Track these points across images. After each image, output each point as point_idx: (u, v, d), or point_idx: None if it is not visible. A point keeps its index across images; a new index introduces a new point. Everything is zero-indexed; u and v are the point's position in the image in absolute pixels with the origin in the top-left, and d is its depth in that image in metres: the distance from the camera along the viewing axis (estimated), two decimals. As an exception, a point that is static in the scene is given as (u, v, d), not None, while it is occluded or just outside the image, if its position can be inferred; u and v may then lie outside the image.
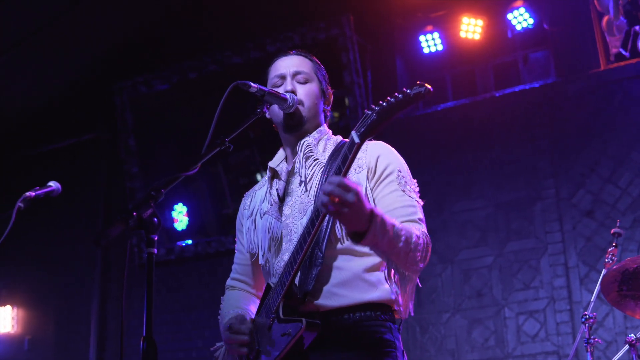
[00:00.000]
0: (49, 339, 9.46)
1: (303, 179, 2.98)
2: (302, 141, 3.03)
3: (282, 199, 3.04)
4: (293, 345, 2.74)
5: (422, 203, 2.93)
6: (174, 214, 8.92)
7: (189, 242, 8.81)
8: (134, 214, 2.48)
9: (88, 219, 9.42)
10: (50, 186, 3.97)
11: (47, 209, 7.92)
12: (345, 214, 2.48)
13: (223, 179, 8.80)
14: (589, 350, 4.86)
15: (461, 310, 7.31)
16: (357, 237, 2.57)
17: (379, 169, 2.89)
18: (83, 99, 9.69)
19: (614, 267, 4.74)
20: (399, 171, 2.90)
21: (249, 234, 3.16)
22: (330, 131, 3.16)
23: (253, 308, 3.12)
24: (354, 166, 2.90)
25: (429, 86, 2.45)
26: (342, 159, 2.56)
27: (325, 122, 3.15)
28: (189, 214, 8.97)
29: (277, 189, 3.07)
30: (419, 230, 2.76)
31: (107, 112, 9.35)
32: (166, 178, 2.66)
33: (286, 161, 3.12)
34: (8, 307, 9.65)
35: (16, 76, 9.18)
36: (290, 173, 3.06)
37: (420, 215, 2.87)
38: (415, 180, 2.97)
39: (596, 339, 4.88)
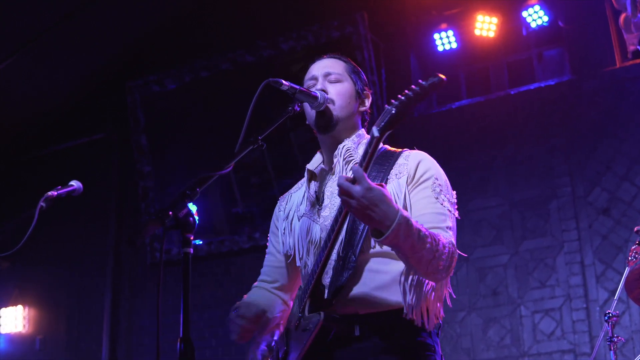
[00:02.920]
0: (60, 339, 9.45)
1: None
2: (342, 145, 3.01)
3: (320, 201, 3.02)
4: (314, 341, 2.73)
5: (456, 214, 2.91)
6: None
7: (199, 242, 8.78)
8: (170, 213, 2.47)
9: (100, 218, 9.40)
10: (72, 185, 3.97)
11: (59, 208, 7.89)
12: (355, 207, 2.50)
13: (232, 178, 8.77)
14: (612, 348, 4.84)
15: (476, 309, 7.29)
16: (378, 234, 2.57)
17: (418, 175, 2.88)
18: (95, 98, 9.68)
19: (637, 266, 4.73)
20: (436, 179, 2.88)
21: (284, 237, 3.14)
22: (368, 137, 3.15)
23: (274, 305, 3.14)
24: (394, 171, 2.90)
25: (442, 76, 2.53)
26: (363, 154, 2.61)
27: (363, 126, 3.14)
28: (198, 213, 8.92)
29: (315, 191, 3.06)
30: (445, 238, 2.73)
31: (119, 111, 9.33)
32: (201, 176, 2.66)
33: (323, 164, 3.10)
34: (19, 307, 9.63)
35: (28, 75, 9.16)
36: (329, 175, 3.05)
37: (450, 223, 2.83)
38: (454, 193, 2.95)
39: (619, 337, 4.86)
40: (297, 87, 2.97)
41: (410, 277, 2.76)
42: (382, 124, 2.57)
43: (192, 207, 8.41)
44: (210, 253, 8.66)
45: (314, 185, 3.08)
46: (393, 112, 2.56)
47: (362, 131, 3.11)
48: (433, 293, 2.81)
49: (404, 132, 7.62)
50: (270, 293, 3.21)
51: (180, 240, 2.54)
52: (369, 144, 2.60)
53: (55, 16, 8.41)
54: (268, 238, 3.29)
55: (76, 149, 9.73)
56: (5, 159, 10.06)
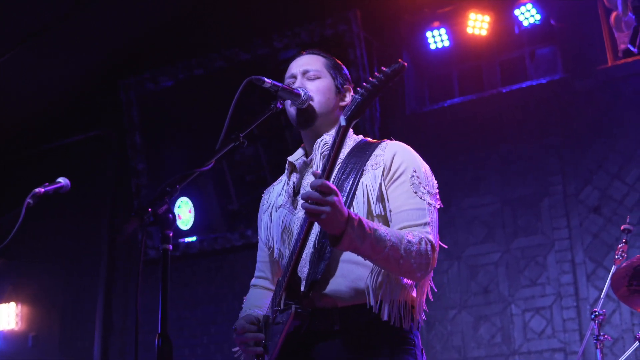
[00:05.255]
0: (53, 336, 9.45)
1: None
2: (320, 139, 3.04)
3: (296, 193, 3.04)
4: (289, 335, 2.75)
5: (438, 205, 2.92)
6: (178, 211, 8.88)
7: (194, 238, 8.78)
8: (149, 210, 2.49)
9: (94, 215, 9.40)
10: (60, 182, 3.96)
11: (52, 205, 7.89)
12: (328, 214, 2.50)
13: (227, 175, 8.77)
14: (598, 347, 4.86)
15: (467, 307, 7.30)
16: (334, 240, 2.59)
17: (393, 168, 2.89)
18: (89, 95, 9.69)
19: (623, 264, 4.74)
20: (414, 171, 2.89)
21: (266, 229, 3.17)
22: (351, 130, 3.13)
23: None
24: (371, 162, 2.91)
25: (403, 62, 2.56)
26: (331, 144, 2.63)
27: None
28: (193, 210, 8.93)
29: (293, 182, 3.08)
30: (417, 236, 2.73)
31: (113, 108, 9.33)
32: (181, 174, 2.66)
33: (305, 157, 3.13)
34: (12, 304, 9.63)
35: (23, 74, 9.16)
36: (308, 168, 3.07)
37: (428, 219, 2.83)
38: (435, 183, 2.97)
39: (606, 336, 4.88)
40: (280, 84, 2.99)
41: (379, 278, 2.78)
42: (349, 112, 2.61)
43: (188, 204, 8.34)
44: (203, 250, 8.67)
45: (294, 177, 3.11)
46: (359, 100, 2.59)
47: None
48: (407, 291, 2.82)
49: (396, 129, 7.63)
50: (264, 290, 3.22)
51: (170, 237, 2.54)
52: (337, 132, 2.62)
53: (51, 15, 8.41)
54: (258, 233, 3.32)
55: (71, 147, 9.74)
56: (0, 157, 10.06)
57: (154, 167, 9.04)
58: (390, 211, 2.85)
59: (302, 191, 3.01)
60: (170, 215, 2.53)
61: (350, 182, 2.88)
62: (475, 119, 7.68)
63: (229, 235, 8.55)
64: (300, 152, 3.18)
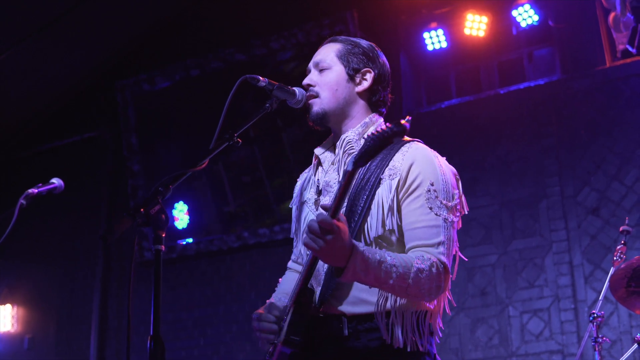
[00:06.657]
0: (49, 338, 9.41)
1: (341, 178, 2.86)
2: (344, 137, 2.92)
3: (319, 191, 2.95)
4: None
5: (456, 219, 2.77)
6: (175, 212, 8.86)
7: (190, 240, 8.76)
8: (142, 210, 2.44)
9: (90, 217, 9.36)
10: (53, 183, 3.95)
11: (48, 206, 7.87)
12: (323, 249, 2.41)
13: (224, 177, 8.74)
14: (596, 349, 4.83)
15: (465, 309, 7.27)
16: (338, 272, 2.51)
17: (409, 180, 2.74)
18: (85, 96, 9.66)
19: (622, 265, 4.71)
20: (431, 184, 2.72)
21: (294, 219, 3.10)
22: (382, 119, 2.98)
23: None
24: (389, 171, 2.76)
25: (405, 124, 2.27)
26: (338, 187, 2.45)
27: (375, 105, 2.97)
28: (189, 212, 8.91)
29: (318, 179, 2.99)
30: (428, 260, 2.61)
31: (110, 109, 9.31)
32: (174, 174, 2.62)
33: (333, 150, 2.99)
34: (8, 306, 9.59)
35: (19, 74, 9.13)
36: (330, 165, 2.97)
37: (442, 237, 2.68)
38: (456, 192, 2.81)
39: (604, 338, 4.85)
40: (275, 83, 2.92)
41: (387, 304, 2.70)
42: (356, 157, 2.37)
43: (183, 207, 8.29)
44: (199, 252, 8.64)
45: (319, 172, 3.01)
46: (366, 147, 2.33)
47: (372, 116, 2.96)
48: (419, 303, 2.73)
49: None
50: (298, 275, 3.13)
51: (163, 238, 2.50)
52: (343, 177, 2.43)
53: (47, 16, 8.38)
54: None
55: (67, 148, 9.71)
56: (-4, 158, 10.05)
57: (150, 168, 9.01)
58: (403, 227, 2.73)
59: (325, 192, 2.91)
60: (163, 215, 2.48)
61: (367, 193, 2.76)
62: (472, 120, 7.66)
63: (225, 237, 8.52)
64: (328, 142, 3.05)
